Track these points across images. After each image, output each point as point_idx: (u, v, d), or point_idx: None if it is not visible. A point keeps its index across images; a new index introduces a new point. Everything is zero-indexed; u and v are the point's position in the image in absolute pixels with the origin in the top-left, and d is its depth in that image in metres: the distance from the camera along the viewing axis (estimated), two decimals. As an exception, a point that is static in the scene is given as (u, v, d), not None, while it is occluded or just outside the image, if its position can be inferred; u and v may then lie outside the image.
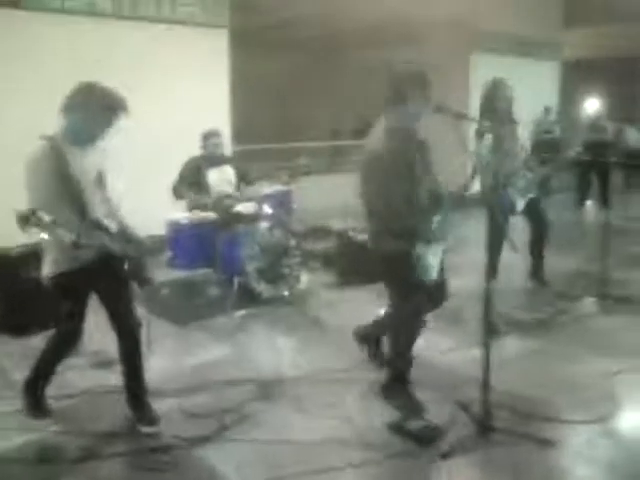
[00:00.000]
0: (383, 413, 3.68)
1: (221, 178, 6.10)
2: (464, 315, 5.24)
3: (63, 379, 3.92)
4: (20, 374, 3.70)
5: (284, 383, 4.11)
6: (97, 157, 3.51)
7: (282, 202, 6.86)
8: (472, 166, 5.48)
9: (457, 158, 4.04)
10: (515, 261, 5.81)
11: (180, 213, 5.91)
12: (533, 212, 5.78)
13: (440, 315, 5.25)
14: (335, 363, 4.39)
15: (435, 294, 3.89)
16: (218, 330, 5.14)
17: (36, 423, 3.55)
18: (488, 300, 3.45)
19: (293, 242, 5.91)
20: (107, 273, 3.41)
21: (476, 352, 3.60)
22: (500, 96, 5.44)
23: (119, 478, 3.17)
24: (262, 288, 5.65)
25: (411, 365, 3.86)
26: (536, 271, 6.01)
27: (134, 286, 3.58)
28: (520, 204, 5.58)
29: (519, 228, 5.95)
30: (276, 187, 6.98)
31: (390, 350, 3.89)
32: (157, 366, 4.15)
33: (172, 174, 5.98)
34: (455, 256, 6.92)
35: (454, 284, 5.98)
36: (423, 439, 3.39)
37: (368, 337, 4.36)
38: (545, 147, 10.14)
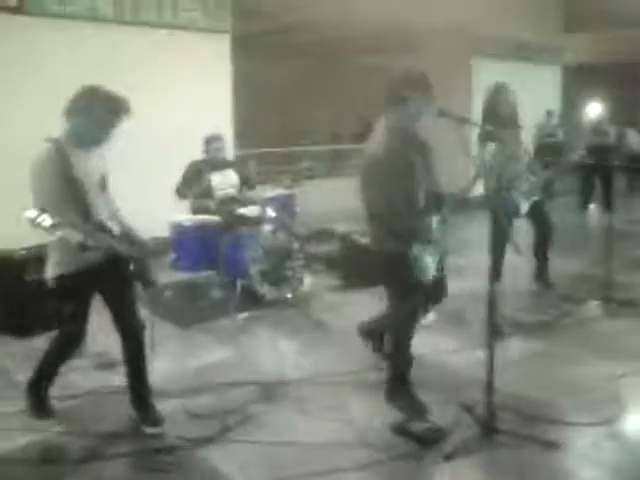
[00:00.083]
0: (386, 415, 3.67)
1: (224, 182, 6.12)
2: (468, 317, 5.25)
3: (66, 380, 3.92)
4: (23, 375, 3.70)
5: (287, 385, 4.11)
6: (100, 160, 3.52)
7: (285, 205, 6.87)
8: (475, 169, 5.48)
9: (460, 162, 4.03)
10: (519, 264, 5.81)
11: (183, 215, 5.92)
12: (537, 215, 5.78)
13: (444, 317, 5.30)
14: (338, 365, 4.38)
15: (433, 292, 3.91)
16: (221, 332, 5.13)
17: (39, 424, 3.55)
18: (492, 302, 3.45)
19: (296, 245, 5.91)
20: (111, 275, 3.42)
21: (480, 354, 3.60)
22: (503, 100, 5.45)
23: (122, 479, 3.17)
24: (265, 290, 5.65)
25: (411, 365, 3.86)
26: (541, 273, 6.01)
27: (138, 288, 3.58)
28: (524, 207, 5.58)
29: (523, 231, 5.95)
30: (279, 190, 6.99)
31: (390, 350, 3.88)
32: (161, 368, 4.14)
33: (175, 178, 5.99)
34: (459, 258, 6.98)
35: (458, 286, 6.02)
36: (426, 441, 3.38)
37: (372, 332, 4.37)
38: (547, 151, 10.17)
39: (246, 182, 6.31)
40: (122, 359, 3.59)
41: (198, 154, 6.13)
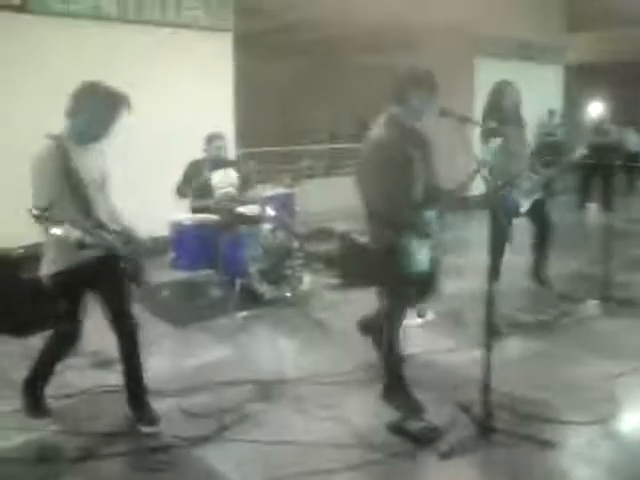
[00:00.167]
0: (383, 414, 3.67)
1: (224, 180, 6.12)
2: (466, 316, 5.24)
3: (62, 379, 3.92)
4: (20, 374, 3.69)
5: (285, 384, 4.10)
6: (100, 157, 3.53)
7: (285, 204, 6.87)
8: (474, 167, 5.48)
9: (461, 160, 4.03)
10: (518, 263, 5.82)
11: (183, 214, 5.92)
12: (537, 214, 5.76)
13: (442, 316, 5.31)
14: (337, 364, 4.38)
15: (423, 288, 3.90)
16: (220, 331, 5.13)
17: (35, 423, 3.55)
18: (490, 301, 3.45)
19: (296, 244, 5.91)
20: (106, 273, 3.43)
21: (477, 353, 3.59)
22: (507, 97, 5.44)
23: (118, 478, 3.17)
24: (264, 289, 5.65)
25: (404, 360, 3.86)
26: (537, 272, 5.99)
27: (133, 287, 3.58)
28: (524, 206, 5.57)
29: (522, 229, 5.94)
30: (279, 189, 6.99)
31: (383, 349, 3.88)
32: (158, 366, 4.15)
33: (176, 176, 6.00)
34: (458, 258, 6.97)
35: (457, 285, 6.04)
36: (423, 440, 3.37)
37: (371, 327, 4.36)
38: (548, 150, 10.15)
39: (246, 181, 6.31)
40: (118, 358, 3.59)
41: (199, 153, 6.14)
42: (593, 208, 10.73)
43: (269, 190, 6.73)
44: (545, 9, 12.60)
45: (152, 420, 3.52)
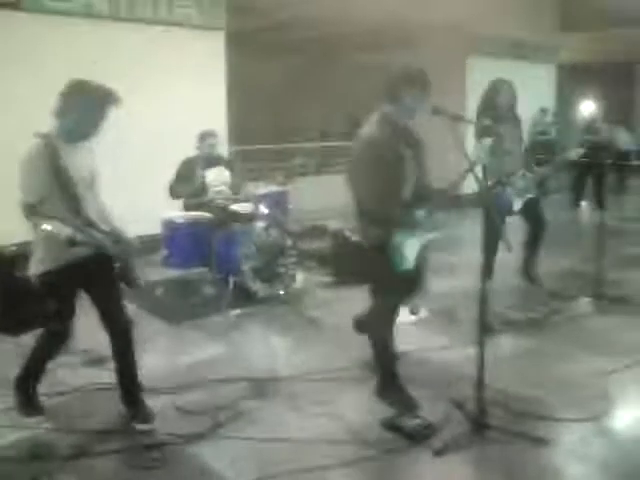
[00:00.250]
0: (377, 411, 3.67)
1: (217, 178, 6.12)
2: (459, 314, 5.26)
3: (55, 377, 3.92)
4: (13, 372, 3.68)
5: (279, 381, 4.11)
6: (89, 156, 3.51)
7: (278, 202, 6.86)
8: (466, 166, 5.49)
9: (454, 158, 4.04)
10: (511, 261, 5.83)
11: (176, 212, 5.92)
12: (531, 212, 5.78)
13: (435, 314, 5.32)
14: (330, 361, 4.38)
15: (410, 286, 3.92)
16: (213, 329, 5.13)
17: (28, 420, 3.54)
18: (483, 299, 3.46)
19: (289, 242, 5.91)
20: (97, 272, 3.41)
21: (471, 351, 3.60)
22: (502, 96, 5.45)
23: (112, 475, 3.16)
24: (258, 287, 5.65)
25: (397, 358, 3.87)
26: (527, 269, 6.01)
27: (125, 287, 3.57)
28: (517, 204, 5.58)
29: (515, 227, 5.96)
30: (272, 187, 6.99)
31: (377, 347, 3.88)
32: (152, 364, 4.15)
33: (168, 174, 5.99)
34: (451, 256, 6.99)
35: (449, 283, 6.06)
36: (417, 436, 3.38)
37: (367, 324, 4.35)
38: (540, 148, 10.19)
39: (237, 180, 6.32)
40: (112, 356, 3.58)
41: (192, 151, 6.13)
42: (586, 206, 10.79)
43: (262, 188, 6.73)
44: (538, 8, 12.64)
45: (146, 417, 3.52)
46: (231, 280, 5.64)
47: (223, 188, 6.14)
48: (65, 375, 4.07)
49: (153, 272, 6.05)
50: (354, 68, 13.71)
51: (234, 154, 8.23)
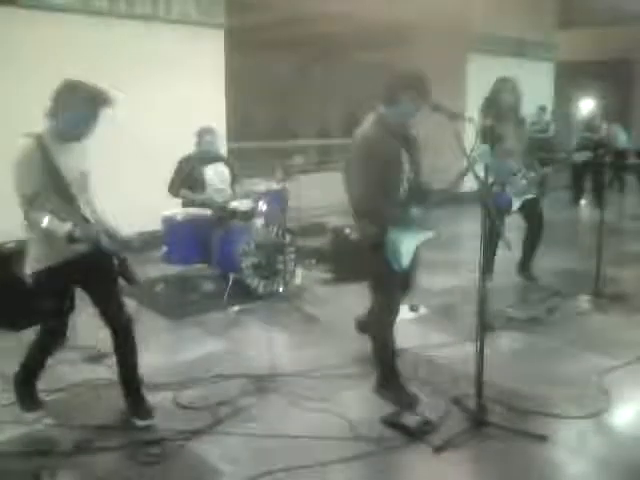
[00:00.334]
0: (376, 407, 3.68)
1: (216, 175, 6.12)
2: (459, 311, 5.27)
3: (56, 372, 3.92)
4: (14, 368, 3.68)
5: (278, 378, 4.10)
6: (81, 156, 3.48)
7: (277, 199, 6.85)
8: (465, 164, 5.50)
9: (453, 156, 4.04)
10: (510, 259, 5.85)
11: (176, 209, 5.92)
12: (530, 211, 5.80)
13: (435, 310, 5.33)
14: (330, 358, 4.39)
15: (402, 283, 3.93)
16: (213, 325, 5.14)
17: (29, 416, 3.54)
18: (483, 297, 3.46)
19: (288, 239, 5.92)
20: (94, 269, 3.39)
21: (470, 348, 3.61)
22: (505, 94, 5.46)
23: (112, 471, 3.16)
24: (257, 284, 5.66)
25: (397, 354, 3.88)
26: (524, 266, 6.03)
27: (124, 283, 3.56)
28: (517, 203, 5.59)
29: (515, 226, 5.98)
30: (271, 184, 6.98)
31: (376, 344, 3.89)
32: (152, 360, 4.15)
33: (168, 171, 5.99)
34: (450, 253, 7.00)
35: (449, 280, 6.07)
36: (416, 433, 3.38)
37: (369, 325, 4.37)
38: (538, 147, 10.20)
39: (235, 177, 6.32)
40: (113, 352, 3.57)
41: (191, 147, 6.13)
42: (585, 204, 10.81)
43: (261, 185, 6.73)
44: (537, 6, 12.63)
45: (147, 413, 3.52)
46: (230, 277, 5.64)
47: (222, 185, 6.14)
48: (65, 371, 4.08)
49: (153, 268, 6.06)
50: (354, 66, 13.71)
51: (232, 152, 8.21)
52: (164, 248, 5.77)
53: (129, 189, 6.65)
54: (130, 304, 3.70)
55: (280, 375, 4.14)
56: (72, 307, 3.55)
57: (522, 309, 5.39)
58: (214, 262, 5.76)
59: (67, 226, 3.07)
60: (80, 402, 3.79)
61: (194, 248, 5.71)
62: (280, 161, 6.12)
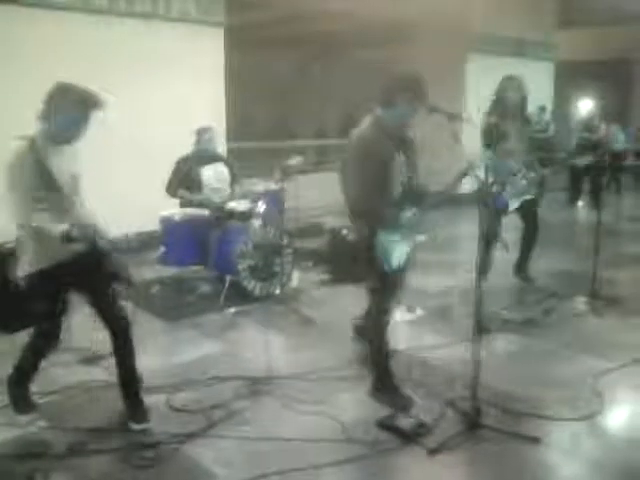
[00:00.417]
0: (371, 410, 3.68)
1: (214, 175, 6.11)
2: (454, 313, 5.27)
3: (50, 375, 3.92)
4: (7, 371, 3.67)
5: (274, 380, 4.10)
6: (73, 159, 3.48)
7: (275, 200, 6.84)
8: (464, 165, 5.49)
9: (451, 156, 4.04)
10: (507, 261, 5.84)
11: (173, 209, 5.91)
12: (527, 212, 5.79)
13: (431, 312, 5.32)
14: (325, 360, 4.38)
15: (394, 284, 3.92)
16: (209, 327, 5.13)
17: (23, 418, 3.54)
18: (479, 298, 3.46)
19: (285, 240, 5.91)
20: (86, 271, 3.39)
21: (466, 350, 3.61)
22: (510, 94, 5.45)
23: (106, 473, 3.15)
24: (254, 286, 5.65)
25: (392, 356, 3.88)
26: (520, 268, 6.02)
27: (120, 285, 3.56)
28: (514, 204, 5.58)
29: (512, 227, 5.97)
30: (270, 185, 6.97)
31: (372, 346, 3.89)
32: (147, 362, 4.13)
33: (166, 171, 5.98)
34: (446, 254, 7.00)
35: (445, 282, 6.06)
36: (411, 435, 3.38)
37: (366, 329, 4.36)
38: (538, 146, 10.19)
39: (234, 177, 6.31)
40: (113, 355, 3.56)
41: (189, 147, 6.12)
42: (582, 206, 10.80)
43: (259, 186, 6.72)
44: (537, 6, 12.63)
45: (142, 417, 3.51)
46: (227, 278, 5.64)
47: (220, 185, 6.13)
48: (59, 373, 4.07)
49: (149, 270, 6.06)
50: (354, 66, 13.69)
51: (231, 151, 8.21)
52: (162, 249, 5.75)
53: (127, 189, 6.64)
54: (126, 306, 3.68)
55: (276, 377, 4.13)
56: (65, 309, 3.54)
57: (518, 311, 5.38)
58: (211, 263, 5.75)
59: (63, 226, 3.07)
60: (74, 404, 3.78)
61: (192, 249, 5.70)
62: (278, 161, 6.10)
